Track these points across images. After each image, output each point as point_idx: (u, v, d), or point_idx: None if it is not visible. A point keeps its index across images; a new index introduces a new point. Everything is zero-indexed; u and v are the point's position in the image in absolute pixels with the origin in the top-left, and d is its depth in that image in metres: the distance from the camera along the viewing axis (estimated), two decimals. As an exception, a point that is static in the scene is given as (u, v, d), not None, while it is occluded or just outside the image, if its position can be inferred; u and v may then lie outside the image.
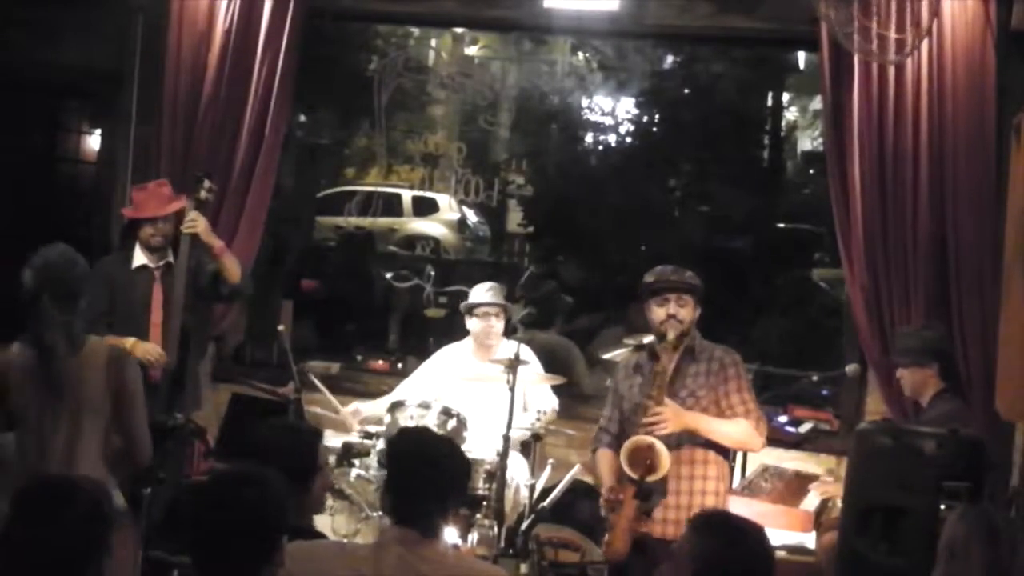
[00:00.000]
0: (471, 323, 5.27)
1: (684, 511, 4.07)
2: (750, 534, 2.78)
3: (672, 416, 4.09)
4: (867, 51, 4.89)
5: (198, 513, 2.57)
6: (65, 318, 3.58)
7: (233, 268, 5.16)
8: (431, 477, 2.94)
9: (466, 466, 3.14)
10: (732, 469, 4.75)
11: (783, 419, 5.66)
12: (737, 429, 4.23)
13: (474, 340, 5.28)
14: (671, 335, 4.20)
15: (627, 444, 4.08)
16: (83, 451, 3.61)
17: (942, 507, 3.48)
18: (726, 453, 4.38)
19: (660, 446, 4.03)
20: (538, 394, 5.22)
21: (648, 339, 4.44)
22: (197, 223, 5.03)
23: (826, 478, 5.18)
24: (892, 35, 4.85)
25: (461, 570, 2.96)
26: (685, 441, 4.19)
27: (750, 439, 4.29)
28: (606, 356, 5.63)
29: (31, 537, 2.43)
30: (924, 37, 4.88)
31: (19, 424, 3.63)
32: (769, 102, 13.22)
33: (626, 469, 4.02)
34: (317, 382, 5.37)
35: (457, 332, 5.51)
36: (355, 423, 5.25)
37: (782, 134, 13.68)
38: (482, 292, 5.27)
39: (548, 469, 4.86)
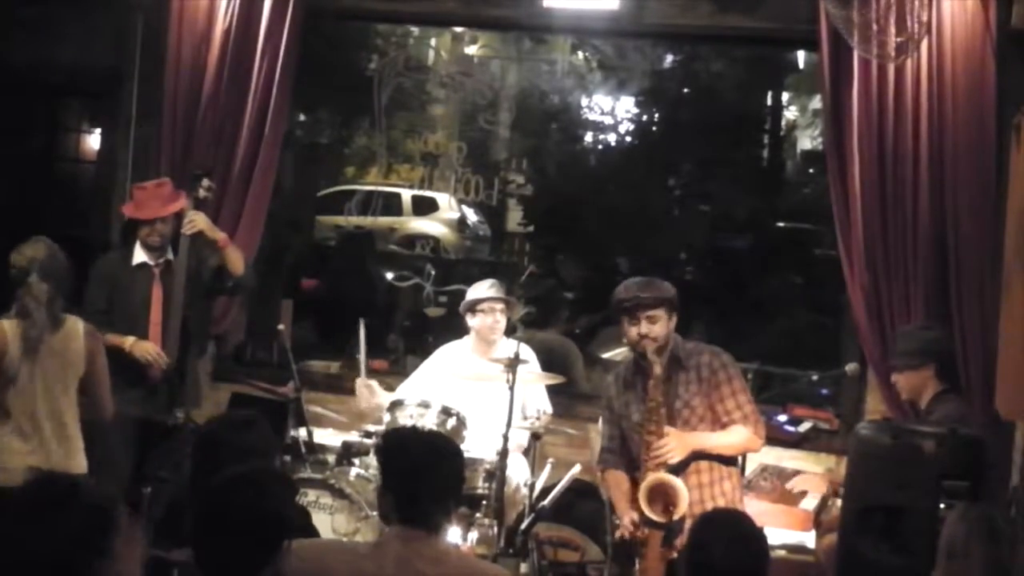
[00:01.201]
0: (475, 320, 5.22)
1: None
2: (735, 526, 2.84)
3: (678, 444, 4.07)
4: (870, 50, 4.89)
5: (199, 516, 2.57)
6: (50, 295, 4.16)
7: (237, 260, 5.15)
8: (429, 475, 2.93)
9: (461, 460, 3.12)
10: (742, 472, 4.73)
11: (783, 418, 5.65)
12: (737, 438, 4.21)
13: (477, 337, 5.25)
14: (648, 353, 4.11)
15: (643, 486, 4.02)
16: (66, 407, 4.26)
17: (942, 506, 3.48)
18: (734, 461, 4.37)
19: (678, 484, 3.99)
20: (534, 395, 5.21)
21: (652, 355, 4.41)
22: (196, 221, 5.03)
23: (806, 474, 5.15)
24: (892, 37, 4.85)
25: (462, 569, 2.96)
26: (698, 459, 4.18)
27: (750, 443, 4.29)
28: (606, 355, 5.63)
29: (27, 536, 2.42)
30: (922, 38, 4.87)
31: (9, 385, 4.15)
32: (769, 101, 13.23)
33: (648, 513, 3.98)
34: (362, 335, 5.31)
35: (457, 331, 5.50)
36: (371, 399, 5.21)
37: (782, 133, 13.67)
38: (484, 288, 5.24)
39: (548, 468, 4.86)
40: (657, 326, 4.14)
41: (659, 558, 4.00)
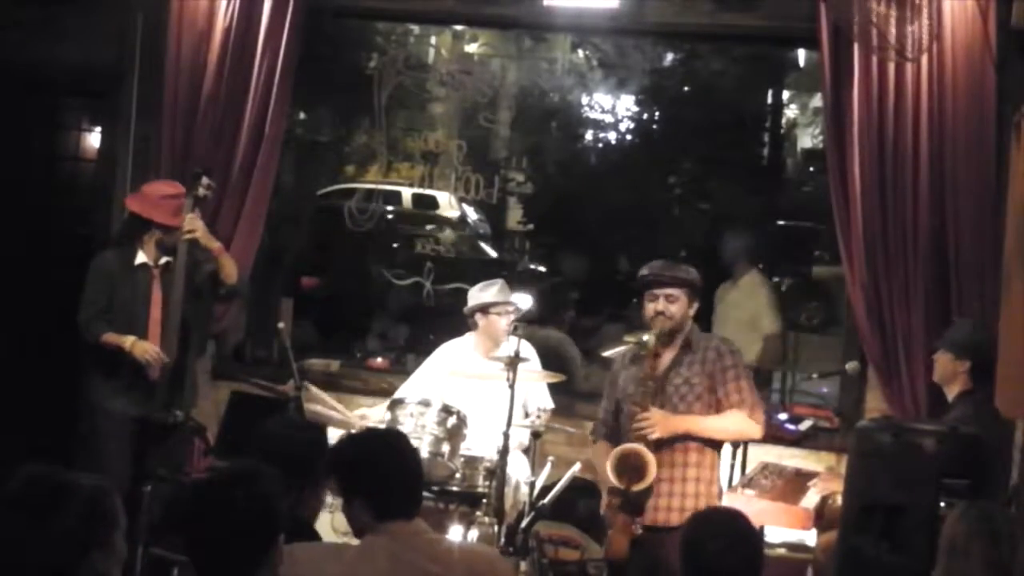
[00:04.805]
0: (485, 320, 5.22)
1: (677, 498, 4.19)
2: (729, 525, 2.85)
3: (659, 421, 4.11)
4: (880, 48, 4.89)
5: (191, 514, 2.57)
6: None
7: (231, 269, 5.17)
8: (394, 465, 3.00)
9: (407, 441, 3.22)
10: (721, 457, 4.74)
11: (783, 417, 5.66)
12: (732, 422, 4.24)
13: (486, 337, 5.23)
14: (657, 330, 4.20)
15: (614, 453, 4.08)
16: None
17: (942, 505, 3.48)
18: (716, 444, 4.39)
19: (648, 457, 4.03)
20: (535, 393, 5.21)
21: (647, 336, 4.46)
22: (195, 228, 5.02)
23: (826, 475, 5.17)
24: (909, 36, 4.86)
25: (456, 555, 2.97)
26: (685, 440, 4.21)
27: (747, 428, 4.31)
28: (607, 354, 5.62)
29: (25, 533, 2.42)
30: (925, 49, 4.88)
31: None
32: (769, 100, 13.22)
33: (612, 479, 4.02)
34: (287, 343, 5.12)
35: (458, 329, 5.50)
36: (318, 404, 5.21)
37: (782, 132, 13.68)
38: (495, 291, 5.23)
39: (548, 467, 4.86)
40: (674, 306, 4.23)
41: (622, 531, 4.05)
